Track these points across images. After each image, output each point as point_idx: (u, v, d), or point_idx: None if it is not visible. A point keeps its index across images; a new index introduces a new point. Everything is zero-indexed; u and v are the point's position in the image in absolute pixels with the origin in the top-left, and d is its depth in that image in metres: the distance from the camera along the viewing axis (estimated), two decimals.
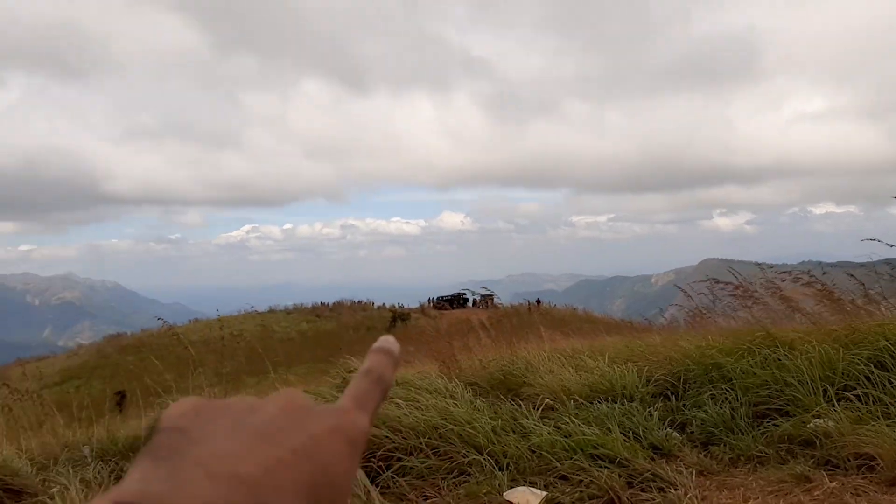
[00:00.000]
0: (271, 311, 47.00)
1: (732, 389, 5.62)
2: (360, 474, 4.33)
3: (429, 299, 53.26)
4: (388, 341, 0.71)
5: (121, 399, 12.14)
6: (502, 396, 6.05)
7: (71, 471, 4.90)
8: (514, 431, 5.14)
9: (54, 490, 4.64)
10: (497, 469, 4.67)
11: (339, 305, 50.00)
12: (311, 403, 0.68)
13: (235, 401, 0.68)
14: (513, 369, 6.86)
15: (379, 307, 50.22)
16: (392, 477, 4.69)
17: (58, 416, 6.68)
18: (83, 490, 4.56)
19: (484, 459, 4.73)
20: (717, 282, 8.62)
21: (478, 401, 5.72)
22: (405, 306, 50.41)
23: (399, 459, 4.81)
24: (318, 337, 37.26)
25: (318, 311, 48.08)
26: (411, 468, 4.75)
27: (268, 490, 0.67)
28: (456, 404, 5.39)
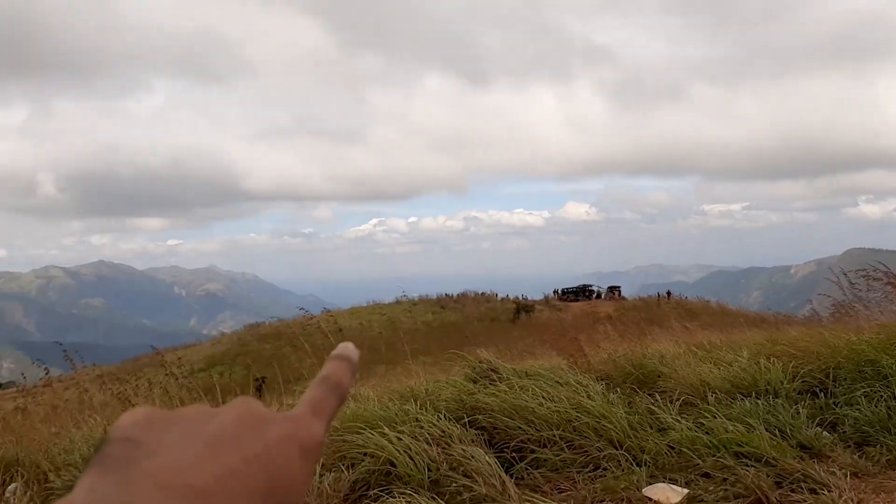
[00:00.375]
0: (397, 302, 47.96)
1: (889, 387, 5.24)
2: (495, 463, 4.35)
3: (553, 291, 52.76)
4: (346, 348, 0.69)
5: (260, 385, 12.75)
6: (636, 390, 5.91)
7: None
8: (650, 426, 5.01)
9: None
10: (634, 464, 4.57)
11: (463, 297, 50.39)
12: (265, 411, 0.68)
13: (188, 410, 0.68)
14: (645, 362, 6.70)
15: (503, 299, 50.19)
16: (526, 468, 4.68)
17: (206, 400, 7.10)
18: None
19: (620, 454, 4.64)
20: (869, 273, 8.03)
21: (611, 394, 5.62)
22: (529, 298, 50.16)
23: (532, 451, 4.80)
24: (443, 328, 37.71)
25: (443, 303, 48.64)
26: (545, 460, 4.72)
27: (220, 499, 0.67)
28: (589, 397, 5.32)
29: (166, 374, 7.37)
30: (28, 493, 5.05)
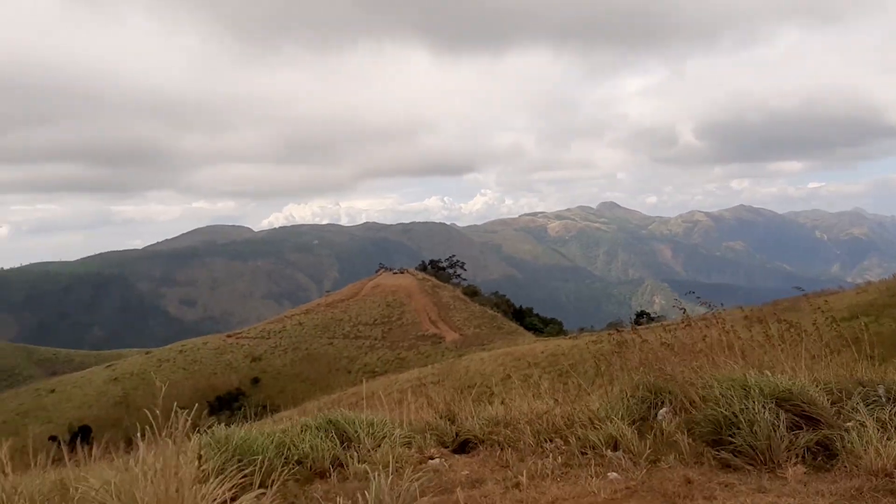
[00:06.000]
0: None
1: None
2: None
3: None
4: None
5: None
6: None
7: (865, 408, 4.82)
8: None
9: (849, 424, 4.66)
10: None
11: None
12: None
13: None
14: None
15: None
16: None
17: (850, 351, 6.65)
18: (879, 430, 4.46)
19: None
20: None
21: None
22: None
23: None
24: None
25: None
26: None
27: None
28: None
29: (812, 322, 7.18)
30: (676, 420, 5.62)
